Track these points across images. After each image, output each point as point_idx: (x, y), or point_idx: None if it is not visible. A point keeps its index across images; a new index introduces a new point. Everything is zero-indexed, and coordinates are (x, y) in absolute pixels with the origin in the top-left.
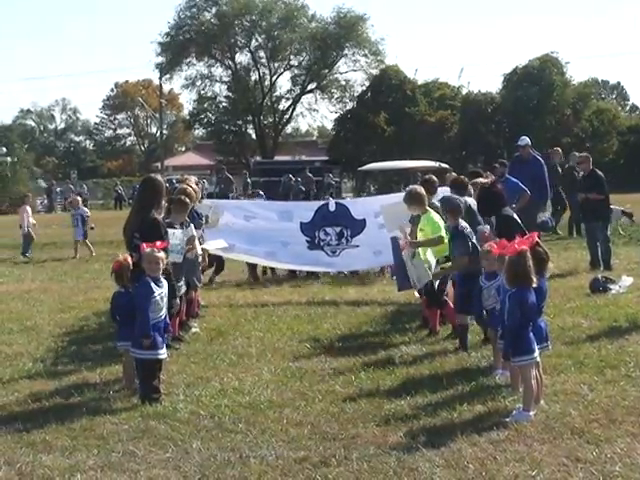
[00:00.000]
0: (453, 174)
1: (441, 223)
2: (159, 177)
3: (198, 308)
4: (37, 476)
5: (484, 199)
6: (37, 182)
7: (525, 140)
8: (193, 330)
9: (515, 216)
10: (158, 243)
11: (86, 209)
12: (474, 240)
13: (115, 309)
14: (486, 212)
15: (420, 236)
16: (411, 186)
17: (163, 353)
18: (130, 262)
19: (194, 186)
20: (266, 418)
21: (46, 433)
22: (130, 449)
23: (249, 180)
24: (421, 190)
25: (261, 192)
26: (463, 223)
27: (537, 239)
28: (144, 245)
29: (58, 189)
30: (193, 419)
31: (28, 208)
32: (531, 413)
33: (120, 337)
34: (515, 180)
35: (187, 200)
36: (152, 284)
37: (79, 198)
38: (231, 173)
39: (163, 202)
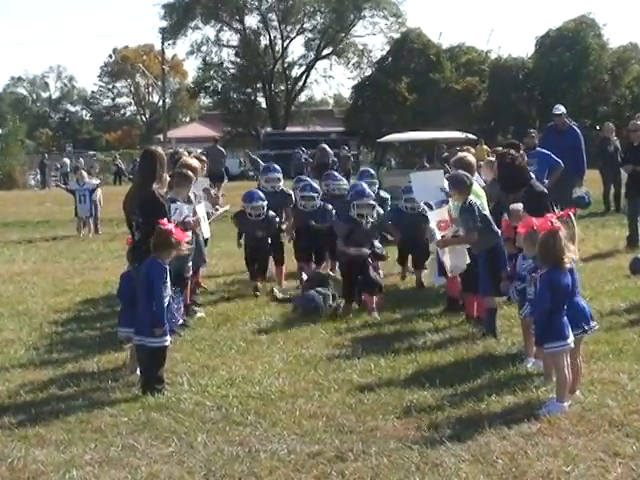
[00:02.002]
0: (484, 147)
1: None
2: (159, 149)
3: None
4: (30, 472)
5: (506, 174)
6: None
7: (560, 109)
8: (198, 315)
9: (545, 191)
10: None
11: (93, 181)
12: (486, 213)
13: (120, 291)
14: (510, 188)
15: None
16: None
17: (168, 340)
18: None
19: (196, 161)
20: (277, 409)
21: (39, 426)
22: (130, 443)
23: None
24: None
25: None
26: (471, 198)
27: (571, 215)
28: (165, 223)
29: (58, 164)
30: (198, 410)
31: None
32: (565, 404)
33: (122, 323)
34: (547, 152)
35: (190, 174)
36: (166, 267)
37: (84, 172)
38: (242, 145)
39: (165, 176)
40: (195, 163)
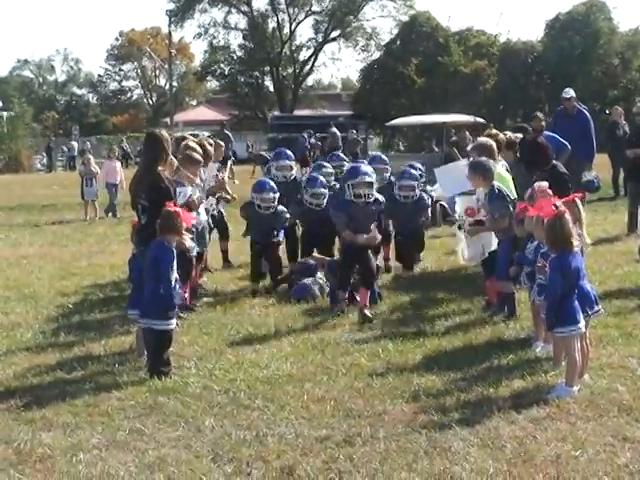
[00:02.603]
0: (494, 131)
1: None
2: (163, 131)
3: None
4: (37, 455)
5: (530, 154)
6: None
7: (570, 92)
8: (205, 299)
9: (566, 172)
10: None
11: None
12: (514, 198)
13: (131, 273)
14: (535, 167)
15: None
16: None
17: (174, 323)
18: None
19: (205, 143)
20: (285, 393)
21: (46, 409)
22: (137, 427)
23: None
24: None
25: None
26: (497, 184)
27: (577, 200)
28: (171, 205)
29: (65, 148)
30: (206, 394)
31: (117, 163)
32: (574, 389)
33: (131, 305)
34: (553, 135)
35: (195, 156)
36: (173, 249)
37: (91, 157)
38: (249, 128)
39: (171, 159)
40: (197, 147)
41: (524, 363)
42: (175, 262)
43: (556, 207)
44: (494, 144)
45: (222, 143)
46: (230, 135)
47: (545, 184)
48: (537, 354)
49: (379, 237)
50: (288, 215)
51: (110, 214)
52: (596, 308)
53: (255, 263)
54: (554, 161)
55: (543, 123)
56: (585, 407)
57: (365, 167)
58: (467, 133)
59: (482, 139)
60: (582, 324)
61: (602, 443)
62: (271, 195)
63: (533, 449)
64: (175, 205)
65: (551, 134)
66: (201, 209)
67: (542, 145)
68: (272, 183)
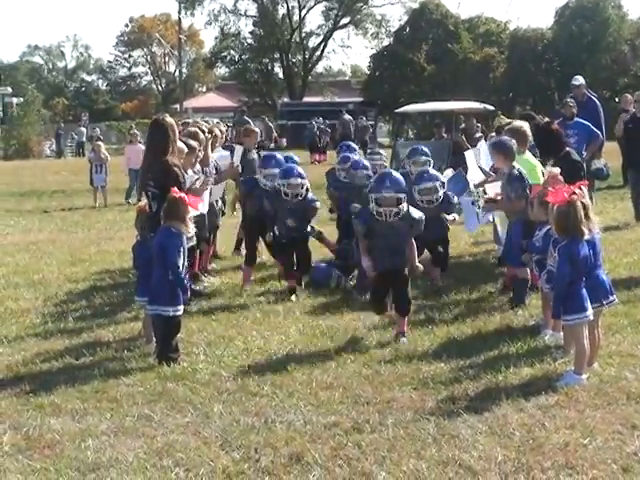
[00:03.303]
0: (502, 117)
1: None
2: (168, 117)
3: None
4: (45, 441)
5: (543, 139)
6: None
7: (579, 80)
8: (206, 283)
9: (580, 160)
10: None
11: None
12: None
13: (135, 260)
14: (548, 152)
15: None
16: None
17: (182, 309)
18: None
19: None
20: (294, 380)
21: (55, 395)
22: (146, 413)
23: (271, 124)
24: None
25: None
26: (518, 166)
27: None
28: (176, 191)
29: (74, 134)
30: (214, 381)
31: (141, 146)
32: (583, 377)
33: (139, 291)
34: (586, 123)
35: (193, 143)
36: (180, 235)
37: (101, 143)
38: (255, 116)
39: (179, 144)
40: (200, 132)
41: (533, 351)
42: (183, 248)
43: (571, 194)
44: (528, 129)
45: (256, 129)
46: (250, 122)
47: (557, 170)
48: (546, 342)
49: (420, 267)
50: (318, 204)
51: (131, 200)
52: (611, 298)
53: (252, 246)
54: (569, 148)
55: (574, 110)
56: (594, 395)
57: (393, 177)
58: (475, 121)
59: (517, 123)
60: (590, 312)
61: (611, 431)
62: (299, 181)
63: (541, 437)
64: (182, 191)
65: (584, 122)
66: (205, 196)
67: (555, 131)
68: (299, 169)
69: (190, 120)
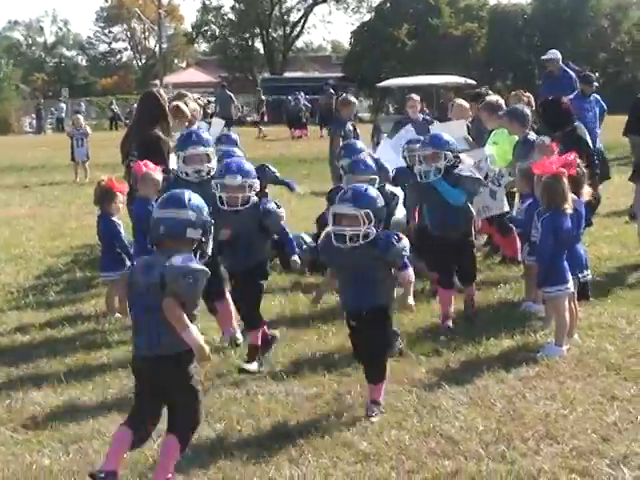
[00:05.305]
0: (490, 94)
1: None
2: (162, 91)
3: None
4: (28, 413)
5: (551, 113)
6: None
7: (550, 54)
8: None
9: (586, 137)
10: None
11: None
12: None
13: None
14: (556, 126)
15: (492, 149)
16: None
17: None
18: (112, 186)
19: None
20: (275, 352)
21: (37, 368)
22: (128, 385)
23: (263, 97)
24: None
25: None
26: (532, 134)
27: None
28: (140, 164)
29: (54, 109)
30: None
31: None
32: (564, 348)
33: (103, 267)
34: (598, 99)
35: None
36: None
37: (80, 116)
38: (239, 90)
39: (170, 121)
40: (183, 106)
41: (513, 323)
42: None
43: (555, 167)
44: (503, 103)
45: (354, 100)
46: (232, 96)
47: (547, 139)
48: (526, 313)
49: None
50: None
51: None
52: (585, 273)
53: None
54: (577, 123)
55: (594, 86)
56: (574, 366)
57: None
58: (452, 95)
59: (492, 97)
60: (571, 284)
61: (591, 402)
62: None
63: (522, 407)
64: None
65: (598, 98)
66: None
67: (565, 105)
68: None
69: (188, 94)
